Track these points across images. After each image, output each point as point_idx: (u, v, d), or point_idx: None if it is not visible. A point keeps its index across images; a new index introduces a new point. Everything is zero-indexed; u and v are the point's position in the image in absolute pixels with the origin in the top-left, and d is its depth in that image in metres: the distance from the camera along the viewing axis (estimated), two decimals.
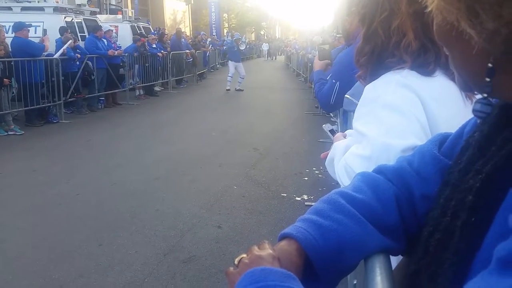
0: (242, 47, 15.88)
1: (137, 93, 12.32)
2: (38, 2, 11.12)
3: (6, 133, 7.50)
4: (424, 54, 1.07)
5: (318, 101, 3.05)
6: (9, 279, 3.06)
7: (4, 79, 7.41)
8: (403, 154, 0.91)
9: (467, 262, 0.53)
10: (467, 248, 0.54)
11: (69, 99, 9.32)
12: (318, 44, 3.38)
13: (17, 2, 11.26)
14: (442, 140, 0.80)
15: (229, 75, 14.18)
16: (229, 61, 14.58)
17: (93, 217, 4.09)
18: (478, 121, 0.62)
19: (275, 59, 38.50)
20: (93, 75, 9.96)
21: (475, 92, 0.61)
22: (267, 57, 39.65)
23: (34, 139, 7.33)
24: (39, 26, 10.38)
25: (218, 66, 22.38)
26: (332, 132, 1.65)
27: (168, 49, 13.84)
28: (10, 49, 7.88)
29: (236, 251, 3.39)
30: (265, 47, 40.51)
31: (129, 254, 3.40)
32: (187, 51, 15.38)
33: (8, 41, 8.07)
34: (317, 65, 2.85)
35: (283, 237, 0.69)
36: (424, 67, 1.08)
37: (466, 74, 0.57)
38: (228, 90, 13.75)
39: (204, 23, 36.69)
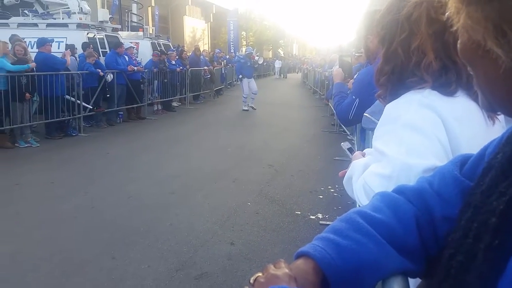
0: (261, 61, 15.27)
1: (155, 108, 12.51)
2: (63, 19, 11.46)
3: (26, 145, 7.67)
4: (446, 74, 1.07)
5: (336, 114, 3.04)
6: None
7: (26, 94, 7.60)
8: (424, 175, 0.90)
9: (491, 286, 0.51)
10: (491, 271, 0.52)
11: (89, 113, 9.51)
12: (340, 55, 3.40)
13: (43, 19, 11.64)
14: (463, 161, 0.79)
15: (243, 95, 13.25)
16: (243, 79, 13.23)
17: (107, 230, 4.11)
18: None
19: (285, 77, 35.35)
20: (107, 89, 10.06)
21: (498, 113, 0.60)
22: (279, 75, 35.92)
23: (53, 151, 7.46)
24: (63, 41, 10.68)
25: (235, 82, 22.56)
26: (351, 150, 1.64)
27: (188, 66, 14.04)
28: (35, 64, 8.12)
29: (249, 269, 3.36)
30: (277, 64, 36.89)
31: (141, 269, 3.40)
32: (205, 67, 15.58)
33: (33, 56, 8.34)
34: (338, 77, 2.85)
35: (300, 255, 0.68)
36: (445, 87, 1.07)
37: (491, 94, 0.57)
38: (246, 110, 13.11)
39: (223, 40, 37.20)
